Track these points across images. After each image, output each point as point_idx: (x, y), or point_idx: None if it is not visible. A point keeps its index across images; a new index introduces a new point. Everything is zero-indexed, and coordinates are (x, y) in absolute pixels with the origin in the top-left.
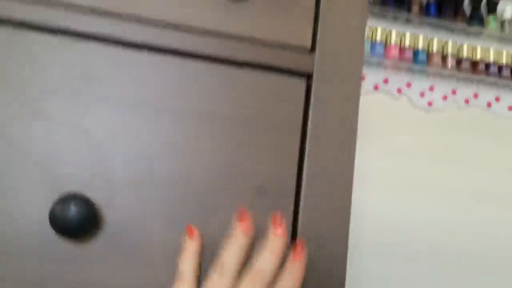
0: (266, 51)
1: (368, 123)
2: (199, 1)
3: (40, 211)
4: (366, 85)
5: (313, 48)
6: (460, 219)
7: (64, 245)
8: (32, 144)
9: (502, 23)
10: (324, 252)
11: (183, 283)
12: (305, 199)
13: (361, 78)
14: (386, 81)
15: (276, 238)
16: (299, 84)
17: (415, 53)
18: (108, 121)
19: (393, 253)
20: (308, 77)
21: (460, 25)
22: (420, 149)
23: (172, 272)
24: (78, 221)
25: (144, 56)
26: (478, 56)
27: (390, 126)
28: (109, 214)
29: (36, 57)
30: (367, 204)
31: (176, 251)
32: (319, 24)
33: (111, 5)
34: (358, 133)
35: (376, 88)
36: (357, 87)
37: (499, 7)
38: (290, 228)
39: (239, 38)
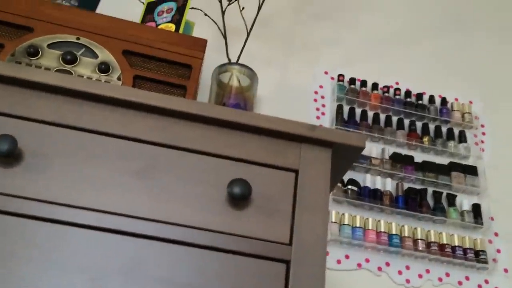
0: (257, 245)
1: None
2: (212, 210)
3: None
4: (350, 264)
5: (290, 242)
6: None
7: None
8: None
9: (462, 213)
10: None
11: None
12: None
13: (325, 262)
14: (367, 260)
15: None
16: (281, 268)
17: (390, 237)
18: None
19: None
20: (287, 263)
21: (426, 214)
22: None
23: None
24: None
25: (175, 248)
26: (445, 241)
27: None
28: None
29: (106, 250)
30: None
31: None
32: (294, 226)
33: (156, 215)
34: None
35: (359, 266)
36: (322, 269)
37: (458, 200)
38: None
39: (239, 236)
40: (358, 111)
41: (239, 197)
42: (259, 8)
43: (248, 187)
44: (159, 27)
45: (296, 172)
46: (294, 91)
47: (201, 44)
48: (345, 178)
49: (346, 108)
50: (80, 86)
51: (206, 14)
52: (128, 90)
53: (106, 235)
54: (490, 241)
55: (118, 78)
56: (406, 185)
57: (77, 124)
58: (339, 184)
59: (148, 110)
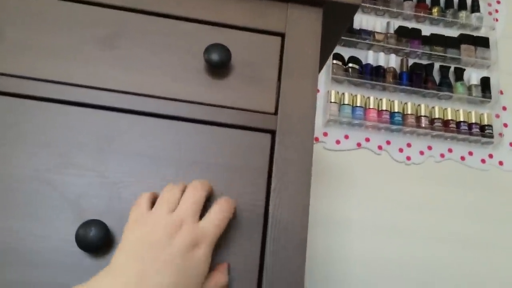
0: (240, 115)
1: (353, 175)
2: (190, 80)
3: (68, 233)
4: (350, 144)
5: (276, 112)
6: (435, 259)
7: (85, 259)
8: (65, 185)
9: (470, 88)
10: None
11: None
12: (272, 218)
13: (313, 133)
14: (367, 139)
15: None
16: (266, 138)
17: (392, 115)
18: (122, 168)
19: None
20: (272, 133)
21: (431, 90)
22: (401, 197)
23: None
24: (96, 240)
25: (149, 121)
26: (449, 116)
27: (373, 178)
28: (120, 236)
29: (73, 124)
30: (351, 247)
31: None
32: (280, 95)
33: (126, 86)
34: (344, 184)
35: (359, 145)
36: (310, 139)
37: (466, 74)
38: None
39: (220, 106)
40: None
41: (218, 64)
42: None
43: (227, 53)
44: None
45: (282, 36)
46: None
47: None
48: (346, 55)
49: None
50: None
51: None
52: None
53: (72, 109)
54: (497, 116)
55: None
56: (411, 61)
57: None
58: (340, 63)
59: None
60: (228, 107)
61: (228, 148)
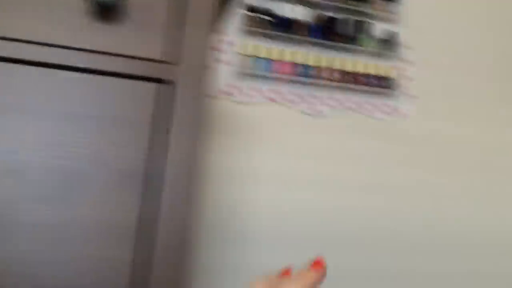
0: (125, 63)
1: (264, 129)
2: (71, 23)
3: None
4: (262, 98)
5: (167, 60)
6: (343, 207)
7: None
8: None
9: (377, 41)
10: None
11: None
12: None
13: (207, 82)
14: (278, 92)
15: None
16: (151, 88)
17: (302, 68)
18: None
19: (284, 242)
20: (158, 81)
21: (341, 44)
22: (309, 150)
23: (41, 243)
24: None
25: (21, 69)
26: (357, 69)
27: (283, 131)
28: None
29: None
30: (258, 199)
31: (44, 226)
32: (169, 40)
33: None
34: (254, 138)
35: (271, 100)
36: (202, 88)
37: (374, 28)
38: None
39: (104, 53)
40: None
41: (106, 4)
42: None
43: None
44: None
45: None
46: None
47: None
48: (258, 6)
49: None
50: None
51: None
52: None
53: None
54: (402, 69)
55: None
56: (322, 14)
57: None
58: (252, 14)
59: None
60: (113, 54)
61: (111, 98)
